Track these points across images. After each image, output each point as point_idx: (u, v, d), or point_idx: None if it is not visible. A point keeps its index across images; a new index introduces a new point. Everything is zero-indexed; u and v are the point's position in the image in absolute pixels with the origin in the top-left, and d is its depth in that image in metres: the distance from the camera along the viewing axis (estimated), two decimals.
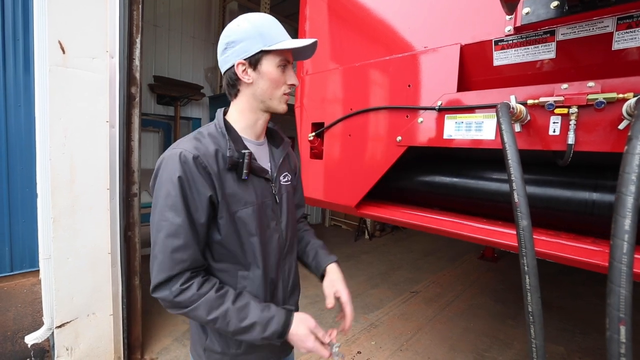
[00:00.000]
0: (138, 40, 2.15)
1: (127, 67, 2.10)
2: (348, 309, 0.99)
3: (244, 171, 0.87)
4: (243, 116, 0.94)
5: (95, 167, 2.02)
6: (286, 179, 1.04)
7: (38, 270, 2.28)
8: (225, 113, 0.97)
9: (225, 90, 0.95)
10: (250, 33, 0.86)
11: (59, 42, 1.84)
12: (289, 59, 0.92)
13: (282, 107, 0.94)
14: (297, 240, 1.14)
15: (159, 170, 0.83)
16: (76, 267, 2.00)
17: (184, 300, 0.79)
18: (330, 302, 0.99)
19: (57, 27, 1.84)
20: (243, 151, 0.87)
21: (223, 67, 0.92)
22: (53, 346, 2.02)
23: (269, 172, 0.98)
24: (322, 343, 0.88)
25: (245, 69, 0.88)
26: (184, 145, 0.83)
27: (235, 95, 0.93)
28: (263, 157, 0.99)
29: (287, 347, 1.06)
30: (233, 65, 0.88)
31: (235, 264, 0.91)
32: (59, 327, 1.98)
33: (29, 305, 2.23)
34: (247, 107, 0.93)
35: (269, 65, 0.88)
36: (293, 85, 0.93)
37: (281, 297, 1.01)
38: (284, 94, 0.93)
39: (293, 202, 1.09)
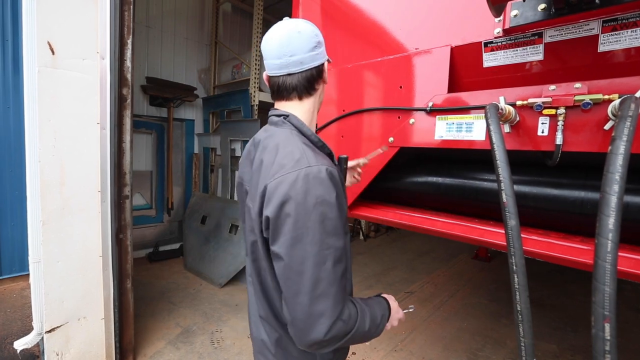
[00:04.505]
0: (129, 42, 2.13)
1: (118, 69, 2.08)
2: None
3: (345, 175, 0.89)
4: (310, 118, 0.88)
5: (86, 169, 2.00)
6: None
7: (28, 274, 2.24)
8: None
9: (297, 87, 0.84)
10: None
11: (48, 42, 1.81)
12: None
13: None
14: None
15: (290, 196, 0.69)
16: (66, 270, 1.97)
17: (352, 324, 0.72)
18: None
19: (46, 28, 1.81)
20: (342, 156, 0.86)
21: (310, 64, 0.82)
22: (43, 351, 1.98)
23: None
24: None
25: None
26: (315, 160, 0.73)
27: (309, 95, 0.86)
28: None
29: None
30: (322, 64, 0.86)
31: None
32: (49, 331, 1.95)
33: (18, 310, 2.19)
34: (313, 108, 0.89)
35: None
36: None
37: None
38: None
39: None
